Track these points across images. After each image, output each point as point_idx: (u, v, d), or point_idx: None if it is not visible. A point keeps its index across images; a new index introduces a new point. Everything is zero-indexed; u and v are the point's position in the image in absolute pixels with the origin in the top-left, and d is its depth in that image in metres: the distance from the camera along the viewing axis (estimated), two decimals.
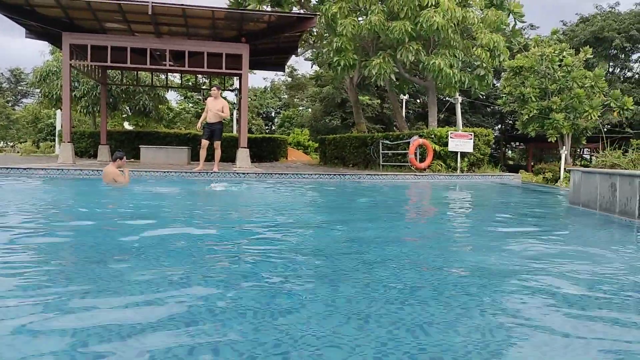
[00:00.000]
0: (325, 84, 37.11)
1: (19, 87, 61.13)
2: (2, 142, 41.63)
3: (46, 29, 14.42)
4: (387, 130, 33.49)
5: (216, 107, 11.86)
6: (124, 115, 29.77)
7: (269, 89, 49.82)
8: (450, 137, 14.03)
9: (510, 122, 39.45)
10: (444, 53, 14.34)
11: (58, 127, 24.79)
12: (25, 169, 10.67)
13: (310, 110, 44.22)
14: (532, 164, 32.25)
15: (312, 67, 25.10)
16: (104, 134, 18.49)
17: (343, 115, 37.97)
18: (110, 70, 20.25)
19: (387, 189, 10.49)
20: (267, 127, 48.21)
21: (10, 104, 56.49)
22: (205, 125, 12.12)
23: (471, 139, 14.19)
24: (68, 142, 13.92)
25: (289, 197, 8.66)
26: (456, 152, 14.22)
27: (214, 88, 12.19)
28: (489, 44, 14.71)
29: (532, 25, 36.64)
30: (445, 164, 14.26)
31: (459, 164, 14.17)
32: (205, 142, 12.15)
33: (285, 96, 50.04)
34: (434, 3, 13.87)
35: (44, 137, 33.17)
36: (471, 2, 15.93)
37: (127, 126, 31.08)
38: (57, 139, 25.26)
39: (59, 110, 22.24)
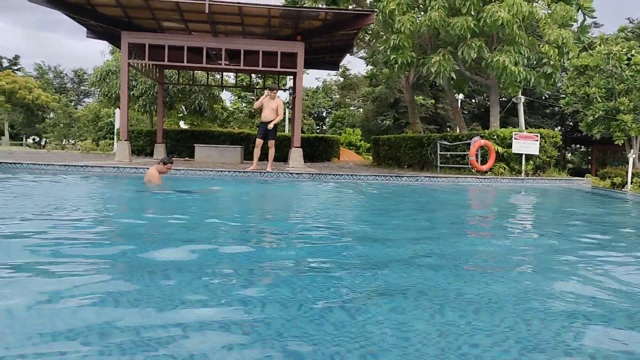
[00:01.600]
0: (378, 84, 36.62)
1: (82, 87, 63.84)
2: (64, 140, 43.34)
3: (106, 28, 14.68)
4: (441, 131, 32.64)
5: (272, 106, 11.74)
6: (179, 115, 30.31)
7: (320, 88, 49.70)
8: (515, 139, 13.29)
9: (571, 123, 37.63)
10: (508, 50, 13.61)
11: (117, 126, 25.40)
12: (82, 166, 10.80)
13: (362, 110, 43.79)
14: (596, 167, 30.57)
15: (366, 65, 24.69)
16: (161, 133, 18.74)
17: (395, 116, 37.34)
18: (167, 70, 20.55)
19: (454, 192, 9.96)
20: (318, 127, 48.13)
21: (73, 103, 59.01)
22: (260, 124, 12.01)
23: (537, 140, 13.40)
24: (125, 140, 14.08)
25: (348, 199, 8.32)
26: (520, 155, 13.46)
27: (272, 90, 11.99)
28: (557, 40, 13.85)
29: (595, 23, 34.79)
30: (509, 167, 13.53)
31: (523, 167, 13.41)
32: (259, 141, 12.02)
33: (337, 96, 49.82)
34: None
35: (104, 135, 34.25)
36: None
37: (183, 125, 31.65)
38: (115, 137, 25.92)
39: (117, 109, 22.76)
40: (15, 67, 58.73)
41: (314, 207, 6.85)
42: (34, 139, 54.15)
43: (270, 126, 11.77)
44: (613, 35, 28.02)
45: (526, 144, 13.40)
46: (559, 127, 40.04)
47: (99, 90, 24.32)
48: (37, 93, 49.78)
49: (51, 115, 50.98)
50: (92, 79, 24.68)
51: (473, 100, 41.01)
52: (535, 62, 16.01)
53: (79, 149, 31.48)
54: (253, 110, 39.88)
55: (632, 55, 18.83)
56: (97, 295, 2.29)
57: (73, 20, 14.21)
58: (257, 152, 12.18)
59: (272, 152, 12.25)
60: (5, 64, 58.78)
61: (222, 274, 2.80)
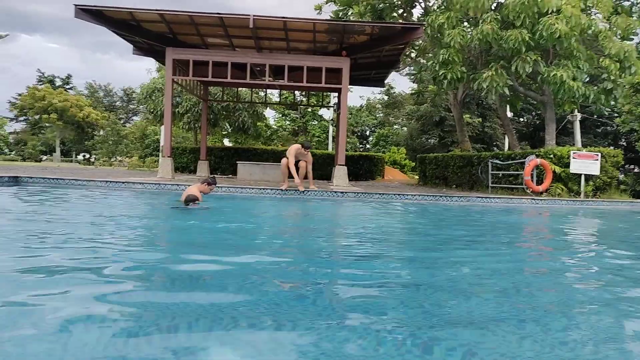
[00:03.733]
0: (423, 102, 36.03)
1: (130, 105, 65.75)
2: (112, 157, 44.44)
3: (151, 45, 14.77)
4: (488, 150, 31.61)
5: (307, 158, 11.36)
6: (224, 132, 30.49)
7: (364, 107, 49.40)
8: (573, 158, 12.44)
9: (624, 144, 35.87)
10: (565, 64, 12.84)
11: (162, 143, 25.72)
12: (123, 182, 10.67)
13: (406, 128, 43.18)
14: None
15: (412, 82, 24.18)
16: (204, 150, 18.70)
17: (441, 134, 36.60)
18: (211, 87, 20.60)
19: (511, 215, 9.27)
20: (361, 146, 47.72)
21: (122, 121, 60.78)
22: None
23: (597, 160, 12.51)
24: (168, 156, 14.01)
25: (398, 221, 7.78)
26: (579, 175, 12.59)
27: (307, 148, 11.23)
28: (618, 53, 12.99)
29: None
30: (567, 188, 12.66)
31: (582, 188, 12.52)
32: (285, 160, 11.15)
33: (381, 114, 49.38)
34: (555, 10, 12.49)
35: (150, 152, 34.84)
36: (595, 10, 14.29)
37: (227, 143, 31.83)
38: (160, 153, 26.21)
39: (163, 126, 23.03)
40: (68, 86, 61.16)
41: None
42: (84, 156, 55.89)
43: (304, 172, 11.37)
44: None
45: (585, 163, 12.53)
46: (612, 147, 38.26)
47: (145, 107, 24.69)
48: (88, 111, 51.47)
49: (100, 132, 52.53)
50: (138, 97, 25.14)
51: (521, 119, 39.73)
52: (593, 78, 15.14)
53: (126, 166, 32.07)
54: (296, 129, 39.89)
55: None
56: None
57: (120, 38, 14.35)
58: (285, 171, 11.25)
59: (310, 168, 11.51)
60: (58, 83, 61.22)
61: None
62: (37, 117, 50.80)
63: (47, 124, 51.70)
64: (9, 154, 55.02)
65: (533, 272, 3.82)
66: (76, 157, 56.85)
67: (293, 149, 11.08)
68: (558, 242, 5.96)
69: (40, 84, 55.90)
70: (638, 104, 18.79)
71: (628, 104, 19.26)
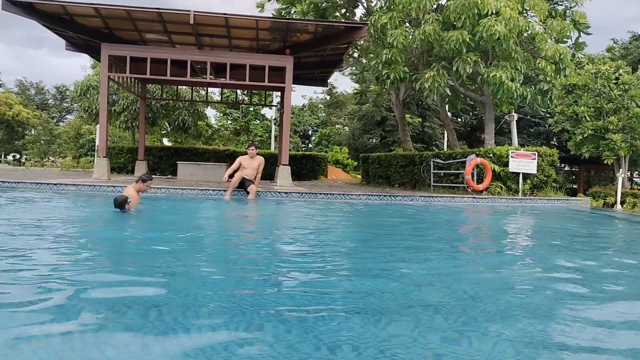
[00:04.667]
0: (365, 102, 36.33)
1: (64, 104, 62.78)
2: (45, 158, 42.22)
3: (86, 40, 14.02)
4: (428, 150, 32.28)
5: (253, 165, 10.33)
6: (163, 132, 29.56)
7: (306, 106, 49.35)
8: (512, 157, 12.79)
9: (556, 143, 37.64)
10: (504, 65, 13.19)
11: (97, 142, 24.62)
12: (55, 184, 10.03)
13: (348, 128, 43.45)
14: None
15: (355, 82, 24.30)
16: (142, 150, 18.00)
17: (382, 134, 37.03)
18: (150, 85, 19.87)
19: (459, 213, 9.37)
20: (303, 145, 47.65)
21: (55, 120, 57.90)
22: (242, 180, 10.17)
23: (535, 159, 12.92)
24: (104, 157, 13.34)
25: (347, 221, 7.67)
26: (517, 174, 12.96)
27: (251, 147, 10.55)
28: (554, 55, 13.48)
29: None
30: (506, 186, 13.00)
31: (520, 187, 12.89)
32: (235, 181, 10.10)
33: (323, 114, 49.51)
34: (494, 12, 12.80)
35: (85, 152, 33.28)
36: (532, 12, 14.78)
37: (166, 142, 30.88)
38: (95, 154, 25.08)
39: (98, 125, 22.02)
40: None
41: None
42: (14, 156, 52.79)
43: (254, 188, 10.07)
44: (600, 55, 28.09)
45: (523, 162, 12.91)
46: (543, 147, 39.98)
47: (79, 105, 23.53)
48: (18, 109, 48.62)
49: (32, 131, 49.80)
50: (72, 94, 23.93)
51: (459, 119, 40.83)
52: (529, 79, 15.67)
53: (59, 167, 30.49)
54: (238, 128, 39.29)
55: (620, 75, 18.67)
56: None
57: (53, 32, 13.53)
58: (232, 185, 10.08)
59: (254, 188, 10.14)
60: None
61: None
62: None
63: None
64: None
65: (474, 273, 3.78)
66: (5, 157, 53.63)
67: (242, 159, 10.35)
68: (505, 240, 6.03)
69: None
70: (570, 104, 19.67)
71: (561, 104, 20.12)
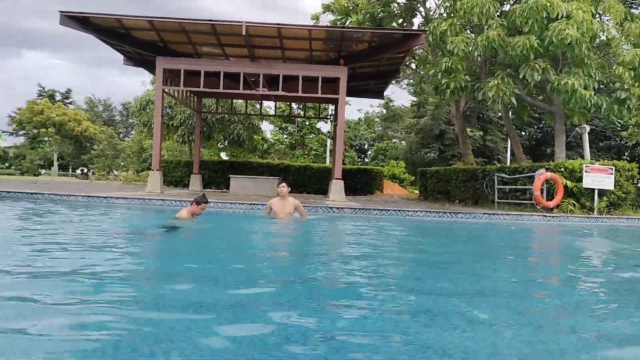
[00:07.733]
0: (422, 115, 35.37)
1: (130, 120, 65.28)
2: (109, 171, 43.77)
3: (142, 54, 14.14)
4: (490, 164, 30.87)
5: (286, 209, 7.88)
6: (220, 146, 29.83)
7: (362, 120, 48.76)
8: (586, 172, 11.65)
9: (628, 158, 35.05)
10: (576, 72, 12.12)
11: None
12: (105, 197, 9.92)
13: (404, 142, 42.47)
14: None
15: (414, 93, 23.54)
16: (197, 163, 18.01)
17: (441, 148, 35.87)
18: (206, 99, 19.96)
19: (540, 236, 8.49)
20: (359, 160, 47.00)
21: (121, 135, 60.28)
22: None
23: (612, 174, 11.74)
24: (157, 170, 13.26)
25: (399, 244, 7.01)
26: (592, 190, 11.80)
27: (282, 185, 7.85)
28: (632, 61, 12.28)
29: None
30: (579, 203, 11.85)
31: (596, 204, 11.72)
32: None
33: (379, 128, 48.74)
34: (564, 15, 11.82)
35: (148, 166, 34.17)
36: (606, 15, 13.65)
37: (223, 156, 31.16)
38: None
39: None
40: (67, 101, 60.67)
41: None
42: (81, 170, 55.21)
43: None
44: None
45: (599, 177, 11.75)
46: (621, 161, 37.45)
47: (138, 120, 24.07)
48: (86, 125, 50.83)
49: (98, 146, 51.94)
50: (132, 109, 24.51)
51: (523, 132, 38.97)
52: (603, 87, 14.42)
53: (121, 180, 31.38)
54: (294, 142, 39.23)
55: None
56: None
57: (111, 47, 13.71)
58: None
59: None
60: (58, 97, 60.78)
61: None
62: (35, 131, 50.21)
63: (45, 138, 51.11)
64: (8, 168, 54.37)
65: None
66: (74, 171, 56.17)
67: (273, 202, 8.07)
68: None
69: (40, 99, 55.41)
70: None
71: (635, 116, 18.58)
